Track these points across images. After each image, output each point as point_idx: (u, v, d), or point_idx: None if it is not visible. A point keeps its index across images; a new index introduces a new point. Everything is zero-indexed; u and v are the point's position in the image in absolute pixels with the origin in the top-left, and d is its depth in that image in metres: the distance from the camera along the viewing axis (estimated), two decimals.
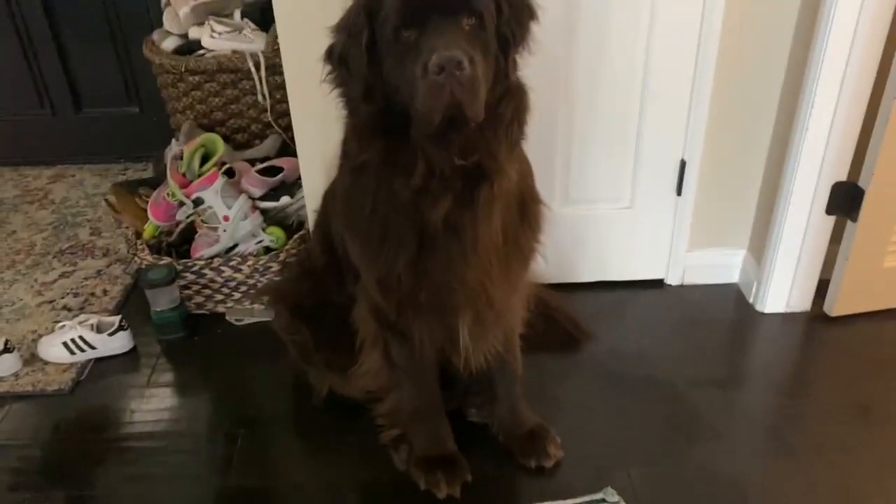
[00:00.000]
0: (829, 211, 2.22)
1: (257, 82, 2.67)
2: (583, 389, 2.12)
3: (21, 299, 2.58)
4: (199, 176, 2.38)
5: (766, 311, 2.39)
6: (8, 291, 2.62)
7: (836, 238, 2.27)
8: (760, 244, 2.37)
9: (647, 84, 2.20)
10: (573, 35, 2.11)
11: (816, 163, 2.14)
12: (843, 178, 2.17)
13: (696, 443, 1.94)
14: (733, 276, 2.53)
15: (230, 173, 2.44)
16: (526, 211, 1.59)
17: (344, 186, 1.58)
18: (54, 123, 3.44)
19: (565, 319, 2.27)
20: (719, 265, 2.51)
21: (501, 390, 1.89)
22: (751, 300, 2.44)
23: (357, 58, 1.36)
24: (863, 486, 1.80)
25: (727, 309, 2.45)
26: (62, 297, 2.58)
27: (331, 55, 1.43)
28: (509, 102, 1.42)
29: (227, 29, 2.72)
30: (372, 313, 1.68)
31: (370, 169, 1.45)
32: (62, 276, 2.70)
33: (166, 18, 2.83)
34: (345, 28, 1.40)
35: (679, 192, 2.37)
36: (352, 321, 1.76)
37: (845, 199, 2.18)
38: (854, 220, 2.18)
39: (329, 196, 1.84)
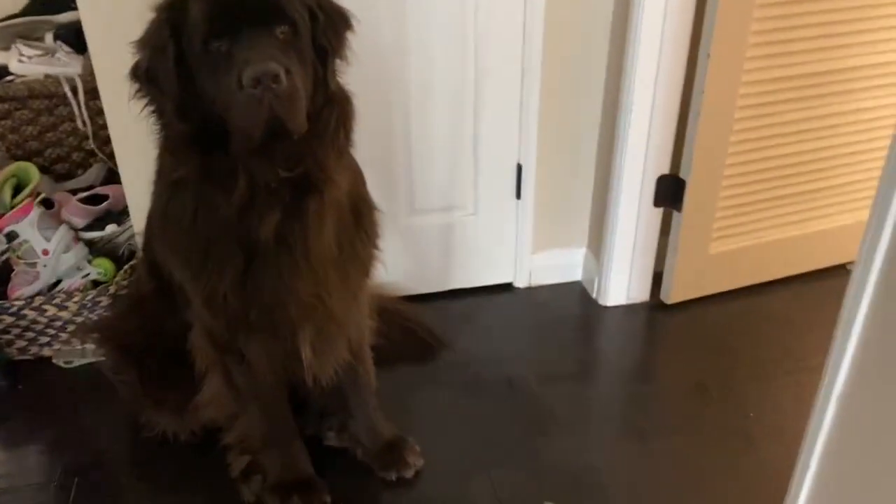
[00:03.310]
0: (656, 203, 2.33)
1: (75, 107, 2.49)
2: (440, 397, 2.12)
3: None
4: (12, 208, 2.19)
5: (609, 304, 2.48)
6: None
7: (665, 230, 2.39)
8: (598, 241, 2.46)
9: (479, 92, 2.23)
10: (403, 44, 2.11)
11: (640, 158, 2.25)
12: (667, 171, 2.29)
13: (552, 438, 1.97)
14: (577, 274, 2.60)
15: (48, 204, 2.26)
16: (361, 219, 1.56)
17: (161, 204, 1.48)
18: None
19: (420, 329, 2.25)
20: (563, 265, 2.58)
21: (355, 404, 1.84)
22: (594, 295, 2.52)
23: (166, 74, 1.29)
24: (707, 459, 1.90)
25: (573, 306, 2.52)
26: None
27: (136, 72, 1.34)
28: (332, 111, 1.39)
29: (38, 52, 2.52)
30: (207, 337, 1.59)
31: (188, 185, 1.37)
32: None
33: None
34: (148, 43, 1.32)
35: (518, 196, 2.42)
36: (188, 351, 1.66)
37: (670, 192, 2.30)
38: (679, 210, 2.30)
39: (150, 216, 1.73)
